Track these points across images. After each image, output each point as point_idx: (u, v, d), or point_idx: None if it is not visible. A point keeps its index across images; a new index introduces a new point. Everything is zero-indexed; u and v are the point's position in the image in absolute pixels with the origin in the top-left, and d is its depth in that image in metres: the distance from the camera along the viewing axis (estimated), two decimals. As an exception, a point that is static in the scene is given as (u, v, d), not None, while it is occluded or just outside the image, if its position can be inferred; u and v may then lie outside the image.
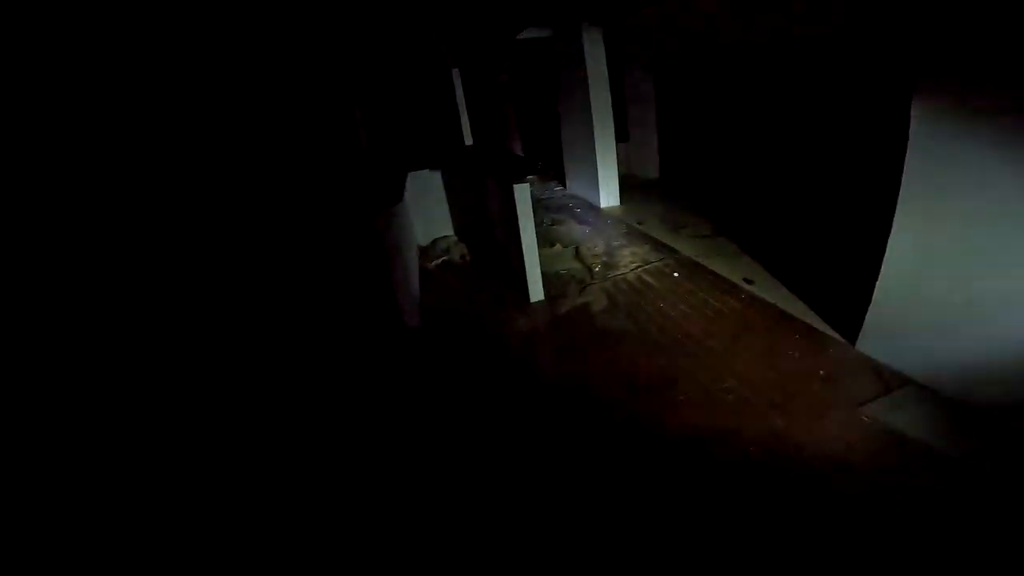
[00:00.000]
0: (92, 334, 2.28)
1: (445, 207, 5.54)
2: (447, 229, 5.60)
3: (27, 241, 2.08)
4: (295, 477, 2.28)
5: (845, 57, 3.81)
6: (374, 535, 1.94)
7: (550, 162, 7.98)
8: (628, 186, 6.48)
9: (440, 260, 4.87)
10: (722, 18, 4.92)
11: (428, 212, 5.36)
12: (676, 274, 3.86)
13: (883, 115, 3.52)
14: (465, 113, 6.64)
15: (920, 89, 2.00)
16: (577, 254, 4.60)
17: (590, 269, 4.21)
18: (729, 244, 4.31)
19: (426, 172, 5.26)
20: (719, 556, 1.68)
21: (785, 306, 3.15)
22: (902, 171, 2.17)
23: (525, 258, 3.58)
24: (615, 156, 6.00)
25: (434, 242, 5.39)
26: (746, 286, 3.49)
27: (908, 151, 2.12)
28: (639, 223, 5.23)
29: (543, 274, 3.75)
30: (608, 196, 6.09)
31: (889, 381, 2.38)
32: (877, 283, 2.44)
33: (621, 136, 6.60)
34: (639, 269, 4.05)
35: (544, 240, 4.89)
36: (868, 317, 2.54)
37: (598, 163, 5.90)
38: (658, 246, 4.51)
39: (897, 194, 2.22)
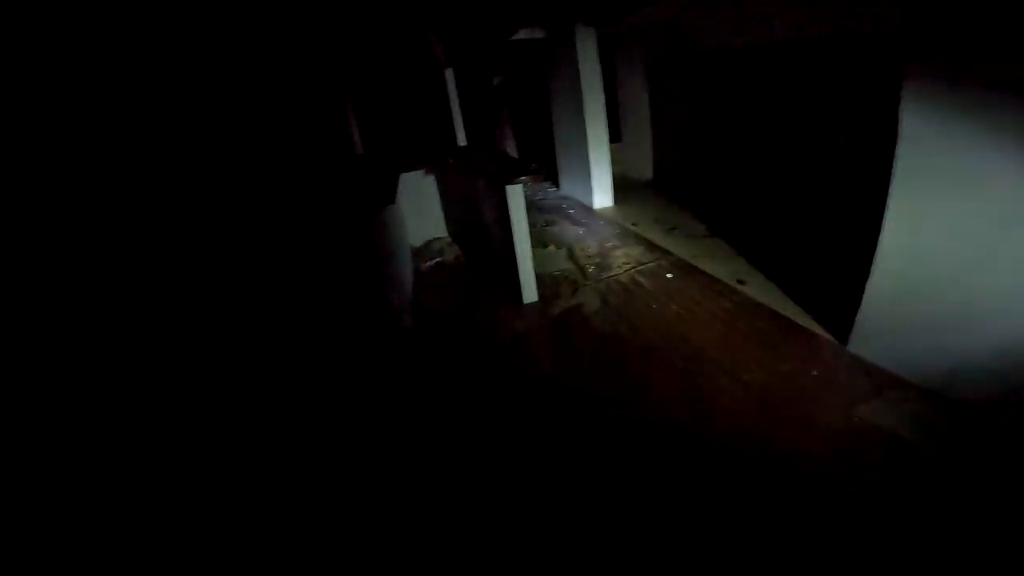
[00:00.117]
0: (84, 333, 2.26)
1: (438, 208, 5.52)
2: (440, 230, 5.58)
3: (23, 241, 2.07)
4: (288, 477, 2.25)
5: (839, 58, 3.84)
6: (368, 535, 1.92)
7: (544, 163, 7.98)
8: (622, 187, 6.49)
9: (433, 261, 4.85)
10: (714, 21, 4.94)
11: (421, 213, 5.34)
12: (669, 275, 3.86)
13: (875, 116, 3.54)
14: (458, 114, 6.62)
15: (909, 77, 1.99)
16: (571, 255, 4.60)
17: (583, 270, 4.21)
18: (722, 245, 4.32)
19: (419, 173, 5.23)
20: (709, 555, 1.68)
21: (777, 307, 3.17)
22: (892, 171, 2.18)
23: (518, 259, 3.57)
24: (608, 157, 6.01)
25: (427, 243, 5.37)
26: (739, 287, 3.50)
27: (897, 150, 2.12)
28: (632, 224, 5.24)
29: (537, 275, 3.74)
30: (601, 197, 6.10)
31: (880, 382, 2.39)
32: (868, 283, 2.46)
33: (614, 137, 6.61)
34: (632, 270, 4.05)
35: (537, 241, 4.88)
36: (859, 318, 2.55)
37: (591, 164, 5.91)
38: (651, 247, 4.52)
39: (887, 195, 2.24)
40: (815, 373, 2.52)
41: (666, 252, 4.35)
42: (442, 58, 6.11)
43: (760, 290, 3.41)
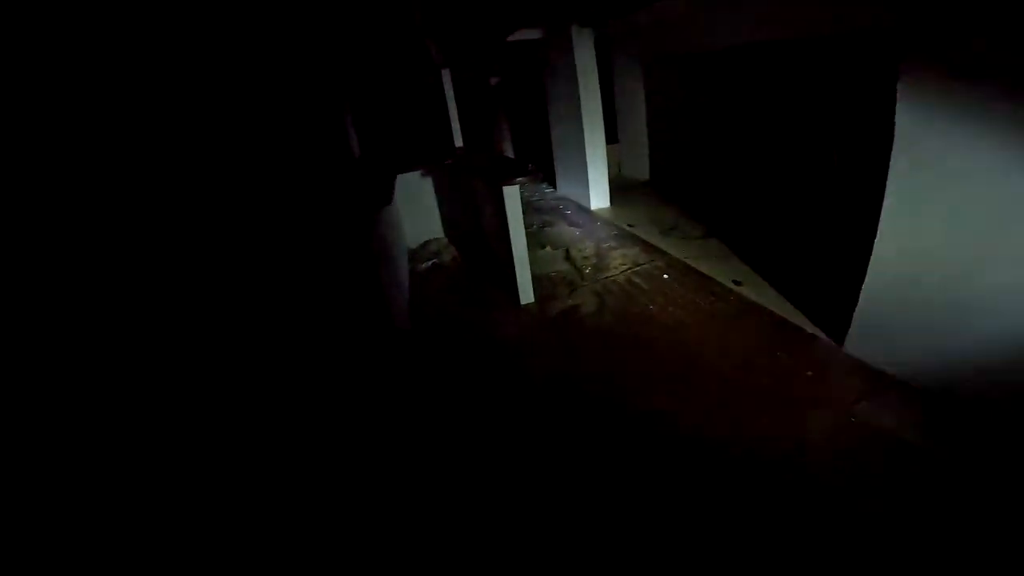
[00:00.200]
0: (83, 334, 2.26)
1: (435, 209, 5.51)
2: (437, 231, 5.57)
3: (21, 241, 2.07)
4: (285, 478, 2.24)
5: (835, 58, 3.85)
6: (365, 536, 1.91)
7: (540, 164, 7.98)
8: (618, 188, 6.50)
9: (430, 263, 4.84)
10: (710, 21, 4.96)
11: (418, 214, 5.32)
12: (666, 276, 3.87)
13: (871, 116, 3.56)
14: (455, 115, 6.61)
15: (904, 75, 2.00)
16: (567, 256, 4.60)
17: (580, 271, 4.21)
18: (719, 246, 4.33)
19: (416, 174, 5.22)
20: (707, 556, 1.68)
21: (774, 308, 3.17)
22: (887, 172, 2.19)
23: (515, 260, 3.56)
24: (605, 158, 6.01)
25: (424, 244, 5.35)
26: (735, 288, 3.51)
27: (893, 149, 2.13)
28: (629, 225, 5.24)
29: (534, 276, 3.74)
30: (598, 198, 6.10)
31: (876, 382, 2.39)
32: (864, 284, 2.46)
33: (611, 138, 6.62)
34: (629, 271, 4.06)
35: (534, 242, 4.88)
36: (855, 318, 2.56)
37: (588, 165, 5.91)
38: (648, 248, 4.52)
39: (883, 194, 2.24)
40: (811, 373, 2.52)
41: (663, 253, 4.35)
42: (439, 59, 6.10)
43: (756, 291, 3.42)
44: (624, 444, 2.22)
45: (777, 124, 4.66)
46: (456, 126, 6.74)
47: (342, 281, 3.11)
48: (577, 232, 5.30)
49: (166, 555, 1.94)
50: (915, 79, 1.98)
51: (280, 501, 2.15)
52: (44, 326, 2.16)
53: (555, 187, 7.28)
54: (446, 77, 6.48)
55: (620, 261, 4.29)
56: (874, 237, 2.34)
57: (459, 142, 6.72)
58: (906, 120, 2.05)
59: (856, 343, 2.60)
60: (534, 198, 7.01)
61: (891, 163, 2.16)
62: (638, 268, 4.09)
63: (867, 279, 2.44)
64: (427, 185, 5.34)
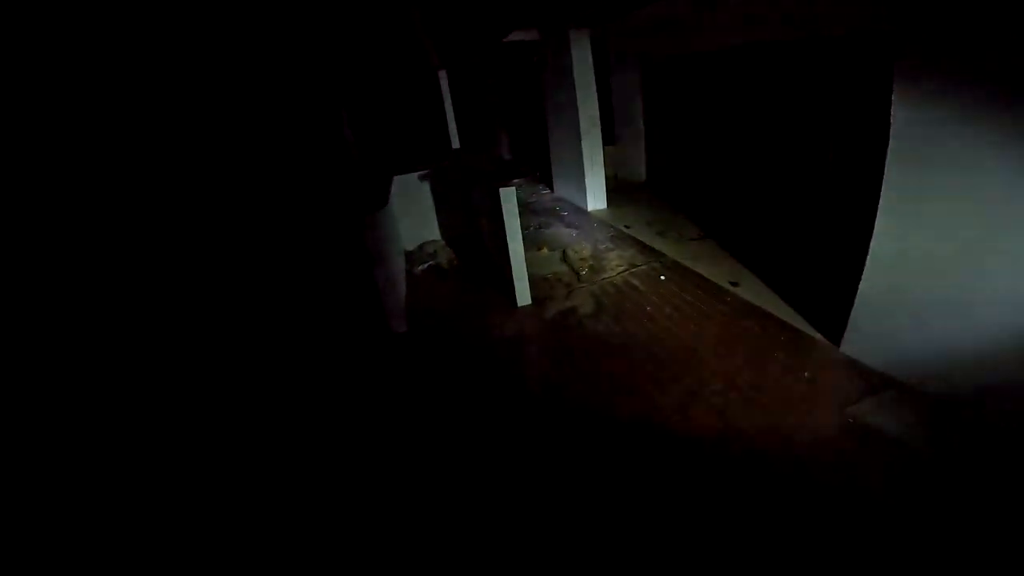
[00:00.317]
0: (81, 334, 2.25)
1: (432, 211, 5.50)
2: (434, 233, 5.56)
3: (20, 241, 2.06)
4: (282, 479, 2.23)
5: (832, 59, 3.86)
6: (362, 537, 1.90)
7: (537, 166, 7.99)
8: (615, 189, 6.51)
9: (427, 264, 4.83)
10: (707, 22, 4.97)
11: (415, 216, 5.31)
12: (663, 277, 3.86)
13: (867, 117, 3.57)
14: (452, 116, 6.61)
15: (899, 76, 2.00)
16: (564, 258, 4.60)
17: (577, 273, 4.20)
18: (715, 247, 4.33)
19: (413, 175, 5.21)
20: (706, 557, 1.67)
21: (770, 308, 3.17)
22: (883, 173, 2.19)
23: (512, 262, 3.55)
24: (602, 159, 6.01)
25: (421, 246, 5.34)
26: (732, 289, 3.51)
27: (889, 150, 2.13)
28: (626, 226, 5.24)
29: (530, 278, 3.73)
30: (595, 199, 6.11)
31: (873, 382, 2.39)
32: (860, 284, 2.46)
33: (608, 139, 6.63)
34: (626, 272, 4.05)
35: (531, 244, 4.87)
36: (851, 318, 2.56)
37: (585, 166, 5.92)
38: (645, 249, 4.52)
39: (879, 195, 2.24)
40: (807, 374, 2.52)
41: (659, 254, 4.35)
42: (436, 60, 6.11)
43: (753, 292, 3.42)
44: (621, 445, 2.21)
45: (773, 126, 4.67)
46: (453, 127, 6.75)
47: (337, 283, 3.10)
48: (574, 233, 5.30)
49: (166, 555, 1.93)
50: (911, 79, 1.98)
51: (276, 502, 2.13)
52: (44, 326, 2.14)
53: (552, 188, 7.28)
54: (443, 78, 6.48)
55: (617, 262, 4.29)
56: (870, 237, 2.34)
57: (456, 143, 6.73)
58: (902, 120, 2.06)
59: (852, 343, 2.59)
60: (531, 199, 7.02)
61: (887, 163, 2.16)
62: (635, 269, 4.09)
63: (863, 279, 2.44)
64: (424, 187, 5.33)
